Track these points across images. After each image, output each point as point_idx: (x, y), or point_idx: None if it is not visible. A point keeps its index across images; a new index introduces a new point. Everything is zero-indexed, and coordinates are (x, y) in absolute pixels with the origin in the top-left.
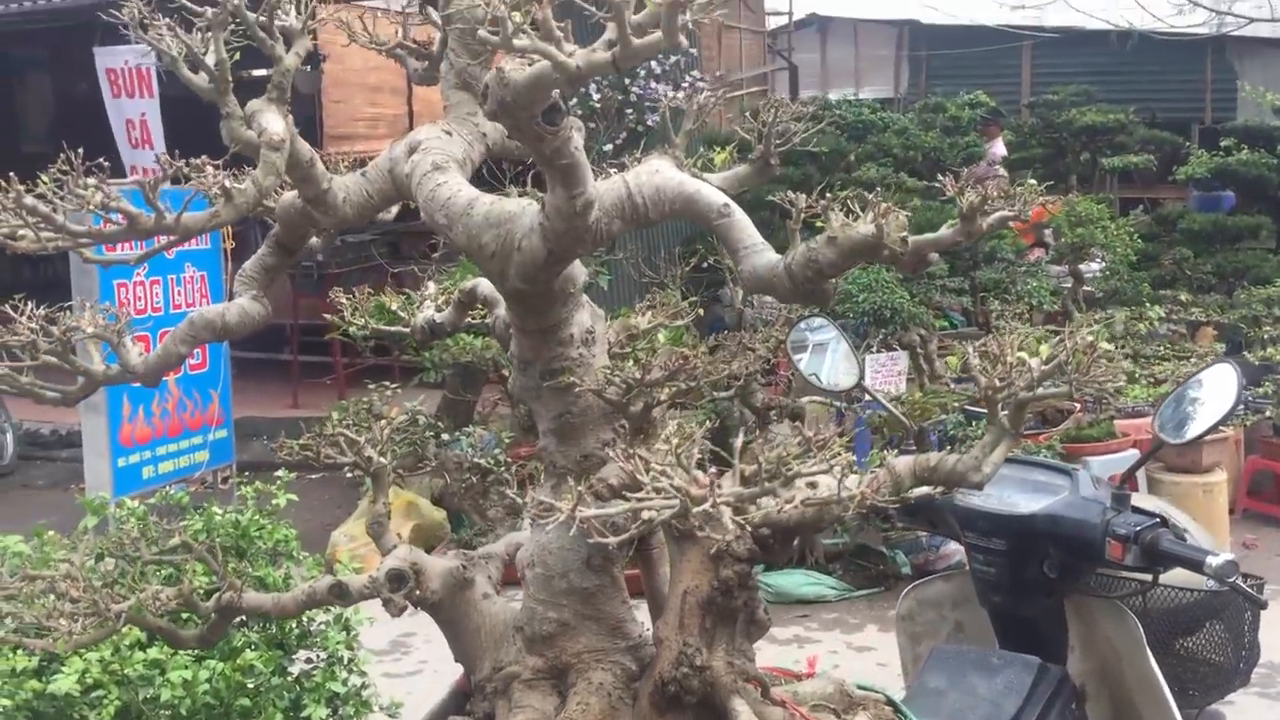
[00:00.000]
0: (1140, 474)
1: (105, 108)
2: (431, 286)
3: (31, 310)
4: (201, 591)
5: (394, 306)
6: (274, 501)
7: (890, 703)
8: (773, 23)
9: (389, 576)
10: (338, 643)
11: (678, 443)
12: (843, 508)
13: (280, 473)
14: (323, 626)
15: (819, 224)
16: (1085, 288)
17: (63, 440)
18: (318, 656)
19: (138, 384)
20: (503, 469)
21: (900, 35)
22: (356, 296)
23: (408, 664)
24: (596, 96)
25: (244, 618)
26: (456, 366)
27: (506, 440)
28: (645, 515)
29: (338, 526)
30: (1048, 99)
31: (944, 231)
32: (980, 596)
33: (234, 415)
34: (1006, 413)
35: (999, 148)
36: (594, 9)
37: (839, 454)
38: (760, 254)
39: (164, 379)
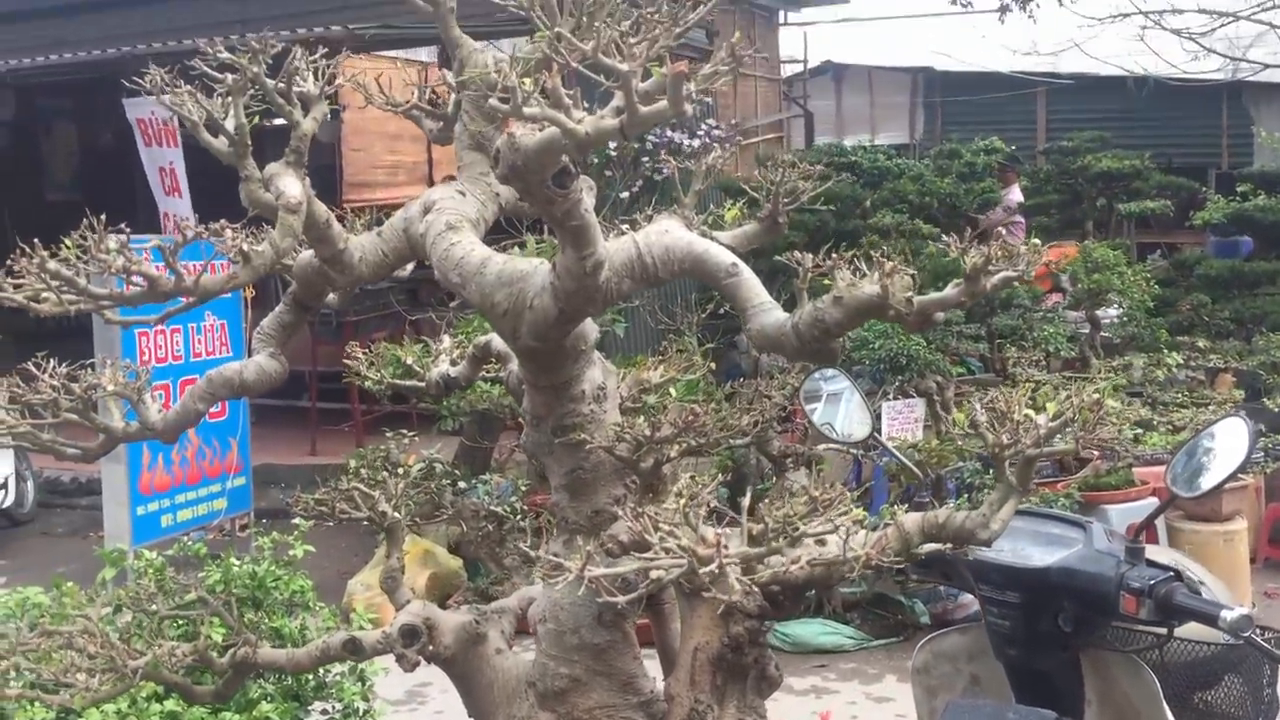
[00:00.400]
0: (1160, 522)
1: (131, 157)
2: (446, 340)
3: (54, 368)
4: (218, 646)
5: (409, 360)
6: (291, 552)
7: None
8: (788, 70)
9: (402, 632)
10: (353, 694)
11: (685, 502)
12: (849, 568)
13: (298, 521)
14: (338, 678)
15: (826, 282)
16: (1102, 334)
17: (83, 488)
18: (333, 708)
19: (157, 440)
20: (519, 517)
21: (915, 82)
22: (373, 350)
23: (424, 714)
24: (613, 144)
25: (259, 672)
26: (474, 414)
27: (523, 488)
28: (654, 574)
29: (355, 574)
30: (1063, 145)
31: (949, 291)
32: (996, 650)
33: (252, 462)
34: (1014, 469)
35: (1015, 194)
36: (602, 79)
37: (847, 511)
38: (768, 313)
39: None
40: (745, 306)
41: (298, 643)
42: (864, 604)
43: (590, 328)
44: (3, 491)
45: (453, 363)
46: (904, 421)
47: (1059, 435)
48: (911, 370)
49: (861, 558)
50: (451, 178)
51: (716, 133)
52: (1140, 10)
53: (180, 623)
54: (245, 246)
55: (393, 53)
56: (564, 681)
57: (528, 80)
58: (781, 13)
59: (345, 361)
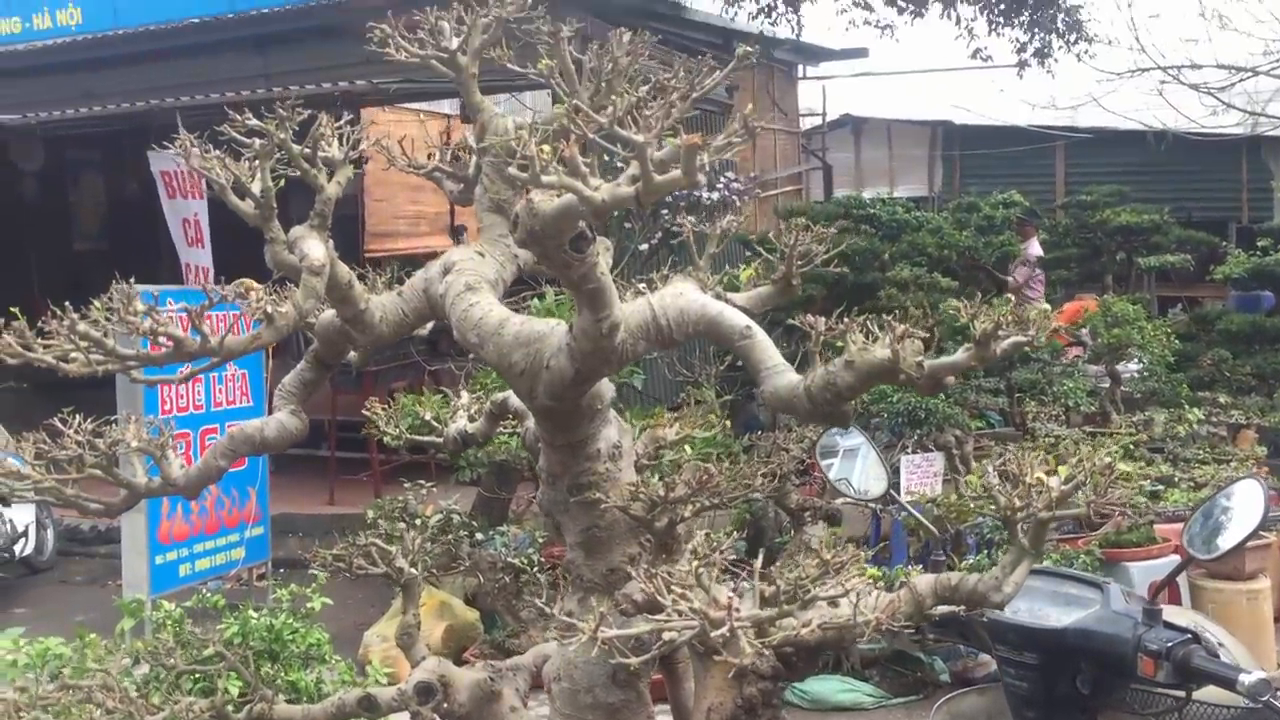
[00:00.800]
0: (1183, 580)
1: (157, 207)
2: (465, 396)
3: (78, 424)
4: (235, 701)
5: (427, 415)
6: (309, 605)
7: None
8: (807, 123)
9: (418, 689)
10: None
11: (698, 563)
12: (860, 631)
13: (315, 571)
14: None
15: (839, 344)
16: (1123, 389)
17: (102, 536)
18: None
19: (178, 495)
20: (536, 569)
21: (934, 135)
22: (392, 403)
23: None
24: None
25: None
26: (491, 465)
27: (540, 540)
28: (666, 635)
29: (371, 626)
30: (1081, 199)
31: (959, 355)
32: (1014, 711)
33: (271, 512)
34: (1027, 532)
35: (1034, 248)
36: (618, 149)
37: (861, 572)
38: (781, 375)
39: None
40: (759, 369)
41: (314, 696)
42: (883, 661)
43: (606, 387)
44: (23, 539)
45: (470, 419)
46: (923, 476)
47: (1071, 499)
48: (930, 424)
49: (872, 621)
50: (463, 228)
51: (735, 185)
52: (1159, 65)
53: (198, 677)
54: (269, 308)
55: (417, 105)
56: None
57: (546, 147)
58: (800, 67)
59: (364, 412)
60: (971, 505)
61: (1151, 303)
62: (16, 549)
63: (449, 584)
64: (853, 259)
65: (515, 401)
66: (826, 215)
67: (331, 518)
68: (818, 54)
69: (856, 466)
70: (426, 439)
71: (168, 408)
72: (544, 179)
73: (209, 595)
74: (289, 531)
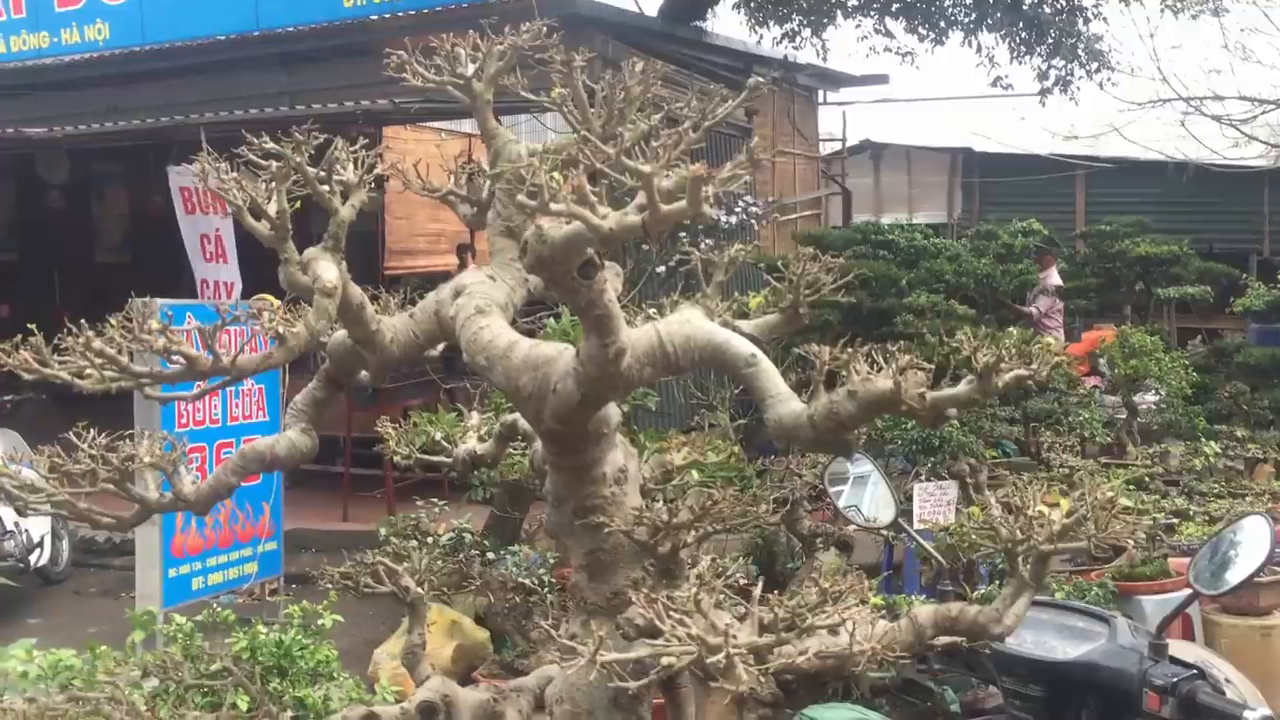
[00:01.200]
0: (1196, 615)
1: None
2: (475, 417)
3: (93, 438)
4: (242, 716)
5: (438, 435)
6: (320, 621)
7: None
8: (827, 148)
9: (420, 709)
10: None
11: (698, 590)
12: (856, 661)
13: (327, 587)
14: None
15: (843, 374)
16: (1139, 420)
17: (116, 549)
18: None
19: (189, 511)
20: (546, 590)
21: (954, 162)
22: (405, 422)
23: None
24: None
25: None
26: (504, 484)
27: (552, 560)
28: (665, 660)
29: (381, 643)
30: (1101, 229)
31: (961, 388)
32: None
33: (284, 527)
34: (1028, 565)
35: (1054, 277)
36: (626, 179)
37: (864, 600)
38: (785, 403)
39: None
40: (763, 397)
41: (321, 713)
42: (894, 690)
43: (613, 411)
44: (39, 550)
45: (480, 439)
46: (936, 504)
47: (1074, 532)
48: (944, 452)
49: (868, 651)
50: (467, 247)
51: (754, 210)
52: (1181, 96)
53: (206, 691)
54: (281, 329)
55: (439, 124)
56: None
57: (556, 175)
58: (821, 92)
59: (377, 429)
60: (974, 537)
61: (1170, 334)
62: (32, 559)
63: (460, 603)
64: (870, 284)
65: (524, 423)
66: (844, 241)
67: (345, 534)
68: (839, 80)
69: (866, 494)
70: (437, 458)
71: (184, 421)
72: (553, 207)
73: (220, 610)
74: (302, 547)
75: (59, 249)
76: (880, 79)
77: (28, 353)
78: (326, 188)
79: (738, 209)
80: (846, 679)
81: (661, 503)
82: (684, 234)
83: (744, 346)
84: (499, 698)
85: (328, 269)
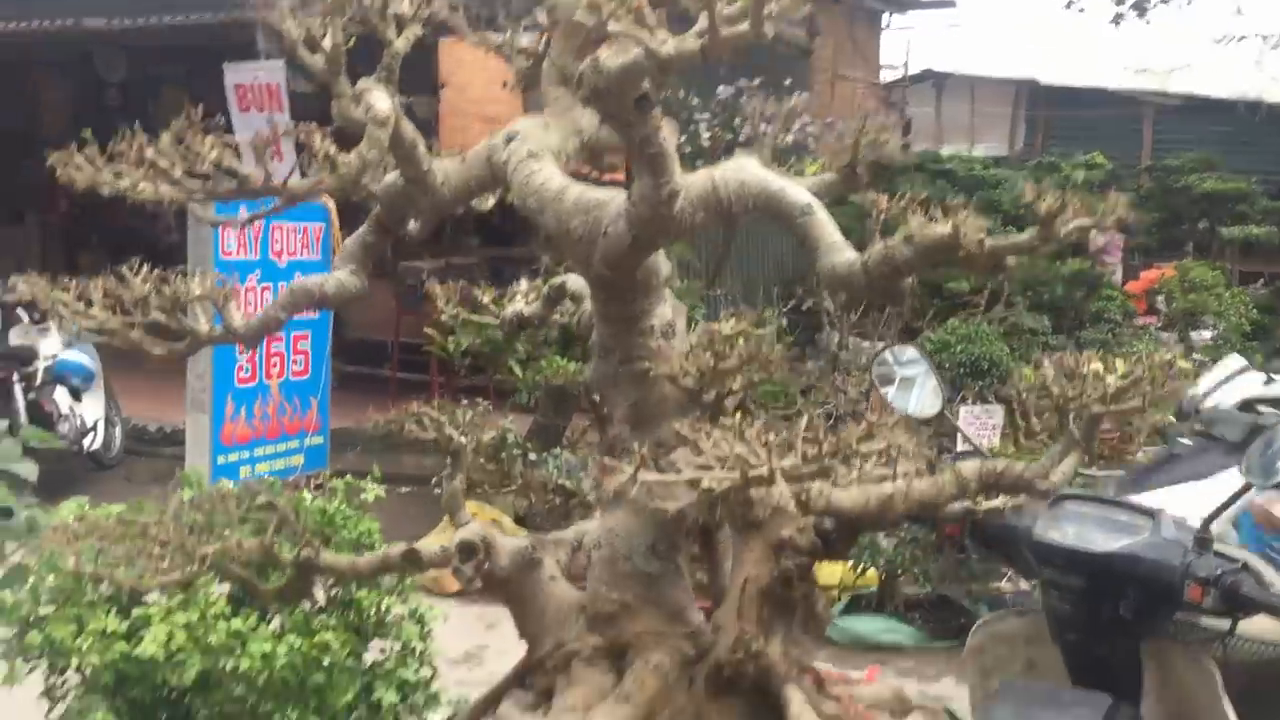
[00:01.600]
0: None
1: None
2: (523, 283)
3: (146, 272)
4: (283, 546)
5: (486, 299)
6: (362, 496)
7: (949, 712)
8: (888, 76)
9: (460, 548)
10: (412, 634)
11: (741, 420)
12: (903, 502)
13: (373, 470)
14: (398, 618)
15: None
16: (1195, 355)
17: (167, 438)
18: (391, 647)
19: (238, 344)
20: (587, 494)
21: (1018, 94)
22: (450, 286)
23: (480, 674)
24: (706, 135)
25: (322, 605)
26: (548, 389)
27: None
28: (705, 484)
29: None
30: (1167, 164)
31: (1023, 236)
32: (1054, 634)
33: (331, 425)
34: (1079, 424)
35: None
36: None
37: (902, 442)
38: (840, 252)
39: (267, 382)
40: (817, 245)
41: (363, 583)
42: (927, 605)
43: (662, 262)
44: (92, 434)
45: (527, 303)
46: (980, 427)
47: (1128, 395)
48: (992, 376)
49: (912, 493)
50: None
51: (810, 129)
52: (1257, 33)
53: (249, 525)
54: (333, 152)
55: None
56: (614, 606)
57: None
58: (885, 16)
59: (427, 330)
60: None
61: (1232, 274)
62: (85, 443)
63: (500, 503)
64: (925, 211)
65: (573, 284)
66: (900, 167)
67: (390, 434)
68: (904, 3)
69: (913, 391)
70: (483, 319)
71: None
72: (611, 26)
73: (268, 479)
74: (348, 445)
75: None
76: (946, 2)
77: (81, 160)
78: (381, 21)
79: (794, 128)
80: (883, 527)
81: (708, 353)
82: (739, 150)
83: (800, 195)
84: (537, 546)
85: (381, 99)
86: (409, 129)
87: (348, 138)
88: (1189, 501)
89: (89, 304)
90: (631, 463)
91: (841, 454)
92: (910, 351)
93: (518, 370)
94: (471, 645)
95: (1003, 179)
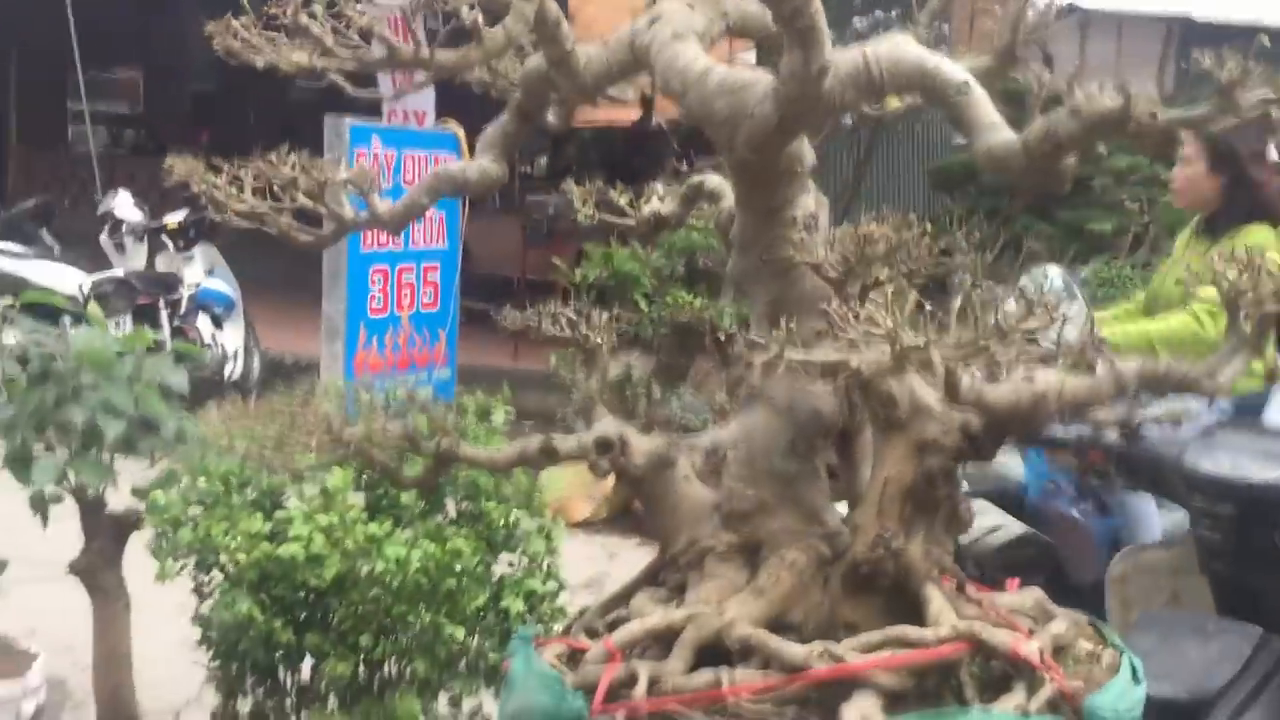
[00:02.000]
0: None
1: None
2: (659, 186)
3: (294, 159)
4: (424, 435)
5: (622, 201)
6: (492, 417)
7: (1092, 623)
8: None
9: (596, 442)
10: (539, 548)
11: (892, 297)
12: (1056, 400)
13: (504, 390)
14: (526, 533)
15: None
16: None
17: (301, 368)
18: (518, 560)
19: (383, 228)
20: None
21: (1169, 32)
22: (586, 187)
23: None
24: None
25: (454, 518)
26: (674, 326)
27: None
28: (854, 363)
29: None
30: None
31: (1198, 110)
32: (1202, 563)
33: (457, 360)
34: (1248, 320)
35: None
36: None
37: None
38: (997, 131)
39: (398, 313)
40: (974, 125)
41: (491, 496)
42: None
43: (807, 150)
44: (232, 363)
45: (663, 203)
46: None
47: None
48: None
49: (1067, 391)
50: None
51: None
52: None
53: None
54: (480, 20)
55: None
56: (750, 504)
57: None
58: None
59: (554, 260)
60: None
61: None
62: (225, 371)
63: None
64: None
65: (711, 183)
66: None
67: (514, 371)
68: None
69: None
70: (619, 220)
71: (368, 244)
72: None
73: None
74: (472, 382)
75: (254, 82)
76: None
77: (234, 33)
78: None
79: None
80: (1033, 427)
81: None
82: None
83: (957, 73)
84: (672, 445)
85: None
86: (554, 8)
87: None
88: None
89: (240, 189)
90: (776, 342)
91: (998, 333)
92: (1055, 272)
93: (643, 305)
94: (594, 572)
95: None
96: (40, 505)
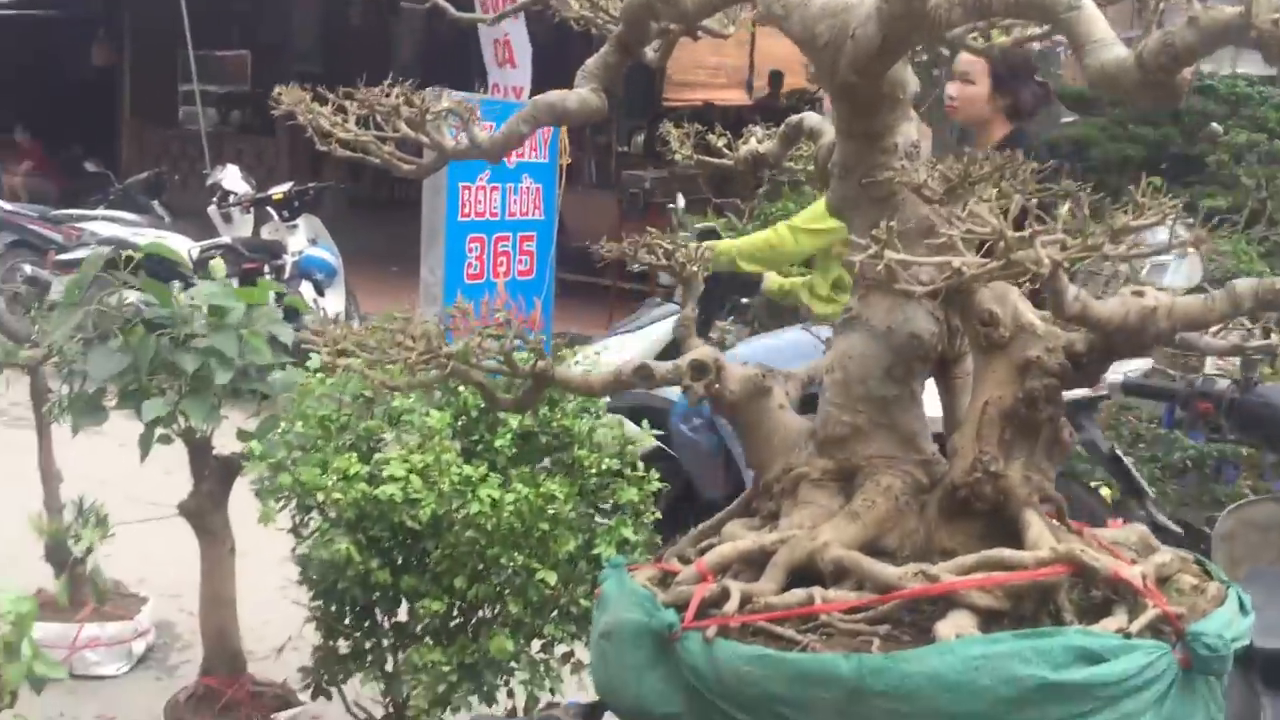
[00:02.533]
0: None
1: (472, 35)
2: (758, 129)
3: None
4: (520, 359)
5: (720, 144)
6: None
7: (1199, 560)
8: None
9: (692, 365)
10: (630, 496)
11: (994, 200)
12: (1166, 318)
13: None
14: (620, 481)
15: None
16: None
17: None
18: (612, 506)
19: (483, 159)
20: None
21: None
22: (684, 130)
23: None
24: None
25: (547, 465)
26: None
27: None
28: (956, 265)
29: None
30: None
31: None
32: None
33: (552, 329)
34: None
35: None
36: None
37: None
38: (1109, 48)
39: (494, 279)
40: (1084, 42)
41: (584, 443)
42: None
43: (909, 77)
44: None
45: (761, 144)
46: None
47: None
48: None
49: (1177, 309)
50: (778, 74)
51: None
52: None
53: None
54: None
55: None
56: (845, 429)
57: None
58: None
59: (650, 230)
60: None
61: None
62: None
63: None
64: (1182, 122)
65: (810, 121)
66: None
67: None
68: None
69: (1170, 265)
70: (717, 160)
71: (466, 213)
72: None
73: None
74: (569, 348)
75: (357, 63)
76: None
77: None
78: None
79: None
80: (1144, 345)
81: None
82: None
83: None
84: (767, 375)
85: None
86: None
87: None
88: None
89: (344, 119)
90: (876, 240)
91: (1112, 231)
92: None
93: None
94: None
95: (1269, 96)
96: (148, 442)
